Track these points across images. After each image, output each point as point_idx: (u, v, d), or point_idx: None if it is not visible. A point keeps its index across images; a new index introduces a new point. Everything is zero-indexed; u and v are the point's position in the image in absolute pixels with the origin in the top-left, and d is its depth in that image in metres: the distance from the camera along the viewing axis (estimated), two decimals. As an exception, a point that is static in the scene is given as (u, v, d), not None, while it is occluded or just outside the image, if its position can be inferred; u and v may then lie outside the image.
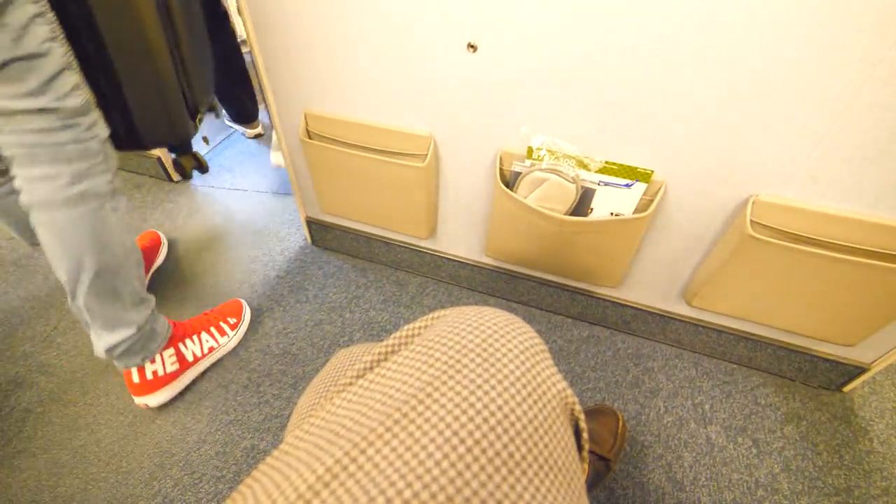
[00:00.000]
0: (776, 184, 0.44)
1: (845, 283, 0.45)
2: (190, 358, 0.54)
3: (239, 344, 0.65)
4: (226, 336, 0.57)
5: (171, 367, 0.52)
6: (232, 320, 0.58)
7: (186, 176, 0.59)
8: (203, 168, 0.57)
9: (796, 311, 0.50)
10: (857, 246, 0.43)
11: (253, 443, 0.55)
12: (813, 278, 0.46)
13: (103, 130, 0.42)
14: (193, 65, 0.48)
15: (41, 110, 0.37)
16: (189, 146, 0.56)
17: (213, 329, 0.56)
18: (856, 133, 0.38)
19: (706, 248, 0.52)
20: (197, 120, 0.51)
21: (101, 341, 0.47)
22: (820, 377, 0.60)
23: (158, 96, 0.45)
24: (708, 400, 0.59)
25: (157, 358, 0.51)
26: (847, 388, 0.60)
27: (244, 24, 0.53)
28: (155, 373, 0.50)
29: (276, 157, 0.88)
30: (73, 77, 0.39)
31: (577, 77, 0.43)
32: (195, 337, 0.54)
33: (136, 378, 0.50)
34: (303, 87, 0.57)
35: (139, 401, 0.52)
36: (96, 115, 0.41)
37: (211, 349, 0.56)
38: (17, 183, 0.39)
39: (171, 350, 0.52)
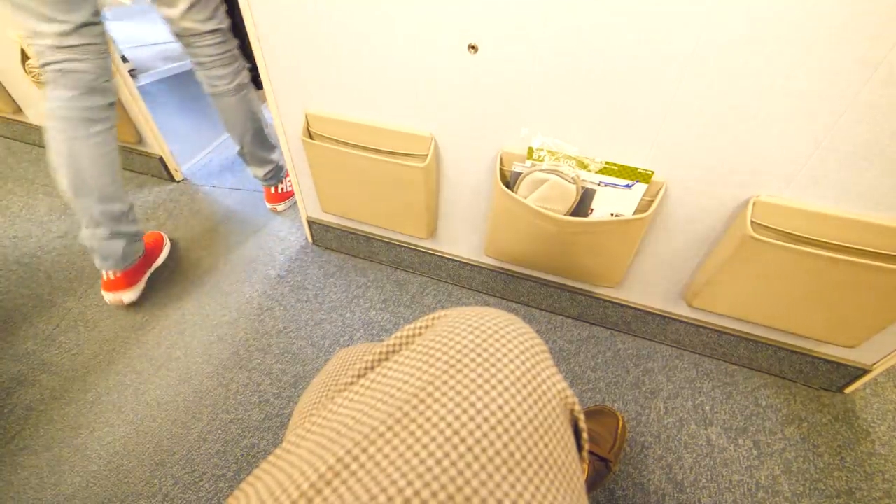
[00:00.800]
0: (777, 185, 0.44)
1: (846, 285, 0.45)
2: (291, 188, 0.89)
3: (240, 343, 0.65)
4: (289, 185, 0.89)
5: (288, 188, 0.88)
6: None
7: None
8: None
9: (797, 312, 0.50)
10: (859, 247, 0.42)
11: (253, 441, 0.55)
12: (814, 279, 0.46)
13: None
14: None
15: (214, 31, 0.63)
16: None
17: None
18: (857, 134, 0.38)
19: (707, 249, 0.52)
20: None
21: (257, 172, 0.82)
22: (821, 378, 0.60)
23: None
24: (708, 401, 0.59)
25: (282, 183, 0.87)
26: (848, 390, 0.60)
27: (248, 26, 0.54)
28: (282, 190, 0.87)
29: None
30: (223, 6, 0.64)
31: (577, 78, 0.43)
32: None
33: (272, 190, 0.86)
34: (304, 87, 0.57)
35: (270, 206, 0.88)
36: None
37: (291, 189, 0.89)
38: (204, 82, 0.68)
39: (288, 179, 0.88)
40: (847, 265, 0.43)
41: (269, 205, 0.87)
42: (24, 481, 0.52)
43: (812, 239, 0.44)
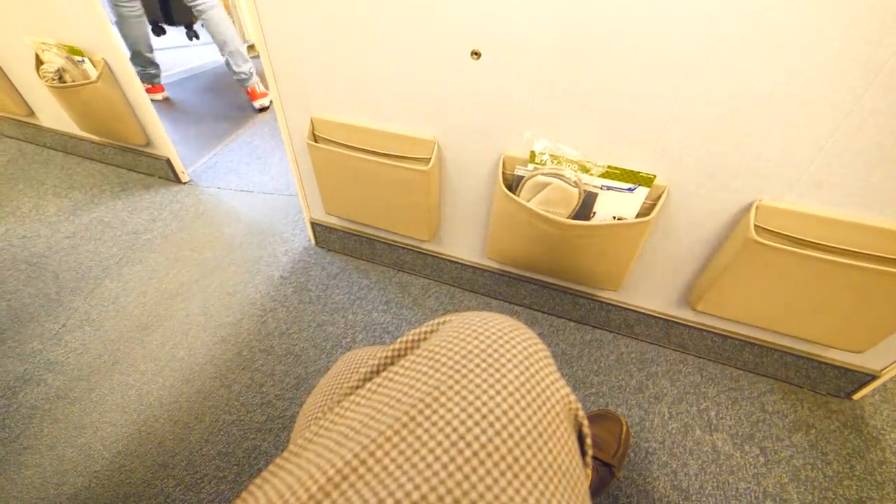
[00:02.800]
0: (780, 188, 0.44)
1: (852, 289, 0.44)
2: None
3: (243, 344, 0.66)
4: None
5: (261, 90, 1.32)
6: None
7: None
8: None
9: (802, 316, 0.50)
10: (863, 251, 0.42)
11: (255, 443, 0.55)
12: (819, 283, 0.45)
13: None
14: None
15: None
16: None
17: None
18: (858, 139, 0.38)
19: (710, 253, 0.52)
20: None
21: (241, 70, 1.24)
22: (828, 384, 0.59)
23: None
24: (713, 406, 0.59)
25: (256, 86, 1.30)
26: (857, 396, 0.59)
27: (255, 31, 0.55)
28: (260, 91, 1.31)
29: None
30: None
31: (579, 82, 0.44)
32: None
33: (255, 90, 1.30)
34: (310, 92, 0.58)
35: (258, 103, 1.31)
36: None
37: None
38: (197, 3, 1.10)
39: (259, 84, 1.32)
40: (851, 269, 0.42)
41: (255, 104, 1.29)
42: (27, 480, 0.52)
43: (816, 243, 0.43)
